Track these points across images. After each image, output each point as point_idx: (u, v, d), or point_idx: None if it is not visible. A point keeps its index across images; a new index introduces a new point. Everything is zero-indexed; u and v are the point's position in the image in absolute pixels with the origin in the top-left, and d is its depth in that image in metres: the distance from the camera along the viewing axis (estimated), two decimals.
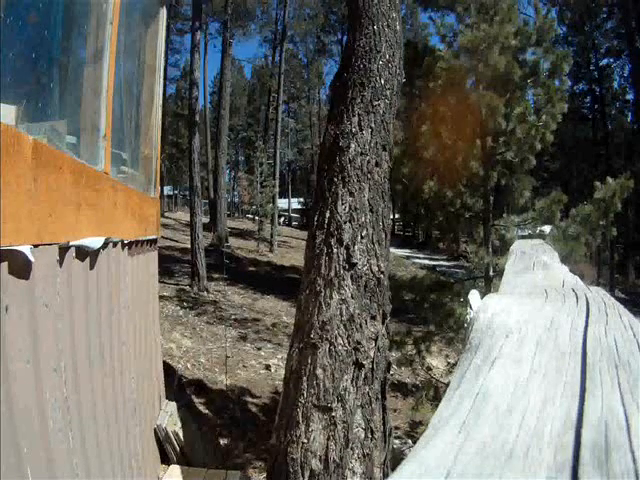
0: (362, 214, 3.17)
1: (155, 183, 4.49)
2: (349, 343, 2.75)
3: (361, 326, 2.84)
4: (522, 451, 0.45)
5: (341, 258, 2.97)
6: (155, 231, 4.32)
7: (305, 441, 2.43)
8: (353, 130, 3.22)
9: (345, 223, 3.09)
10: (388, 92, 3.35)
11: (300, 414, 2.53)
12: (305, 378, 2.63)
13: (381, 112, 3.38)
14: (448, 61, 4.75)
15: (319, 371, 2.62)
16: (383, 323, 2.94)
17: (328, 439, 2.44)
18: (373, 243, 3.12)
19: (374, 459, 2.50)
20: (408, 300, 5.48)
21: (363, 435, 2.54)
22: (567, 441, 0.45)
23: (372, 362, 2.75)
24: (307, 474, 2.32)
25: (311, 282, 2.99)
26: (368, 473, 2.44)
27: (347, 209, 3.13)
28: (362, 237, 3.09)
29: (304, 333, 2.78)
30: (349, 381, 2.62)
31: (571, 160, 21.88)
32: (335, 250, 2.99)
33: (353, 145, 3.16)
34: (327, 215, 3.12)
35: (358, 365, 2.68)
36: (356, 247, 3.03)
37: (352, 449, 2.45)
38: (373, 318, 2.91)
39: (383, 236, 3.21)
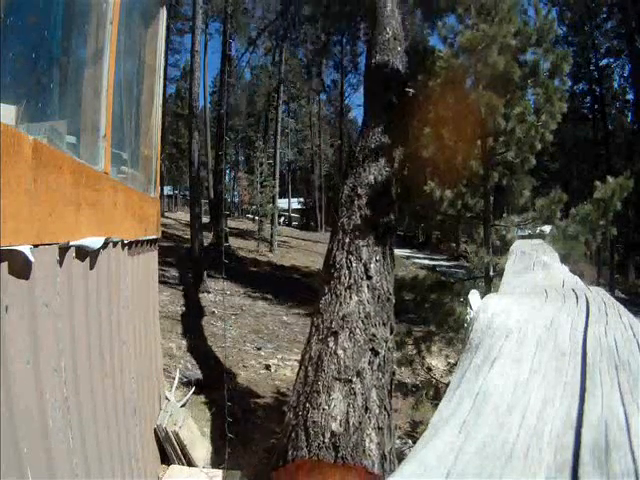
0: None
1: (155, 183, 4.49)
2: (366, 334, 3.11)
3: (375, 325, 3.22)
4: (522, 451, 0.45)
5: (360, 271, 3.54)
6: (155, 231, 4.32)
7: (326, 407, 2.58)
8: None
9: (363, 247, 3.74)
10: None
11: (321, 386, 2.71)
12: (326, 358, 2.87)
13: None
14: (447, 61, 4.75)
15: (340, 351, 2.91)
16: (390, 333, 3.37)
17: (348, 406, 2.61)
18: (384, 267, 3.73)
19: (385, 438, 2.63)
20: (408, 300, 5.47)
21: (378, 411, 2.72)
22: (567, 441, 0.45)
23: (384, 356, 3.09)
24: (328, 435, 2.43)
25: (331, 289, 3.44)
26: (382, 445, 2.55)
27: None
28: (376, 260, 3.69)
29: (324, 327, 3.12)
30: (366, 363, 2.91)
31: (571, 160, 21.89)
32: (355, 265, 3.58)
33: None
34: (347, 240, 3.79)
35: (374, 352, 3.01)
36: (372, 265, 3.64)
37: (369, 418, 2.62)
38: (384, 324, 3.32)
39: (390, 266, 3.86)
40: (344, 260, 3.62)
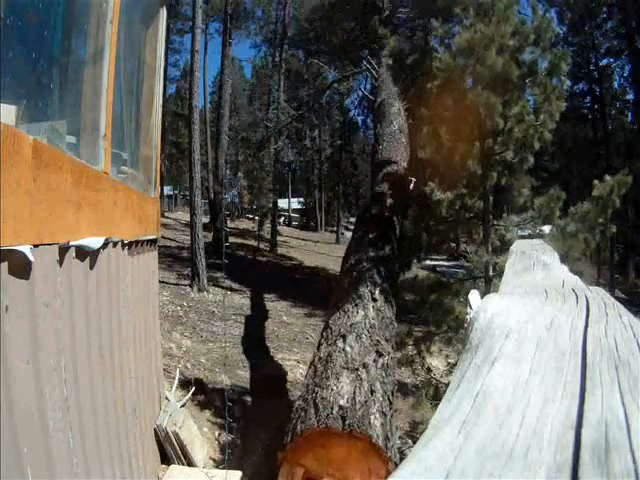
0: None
1: (155, 183, 4.49)
2: (371, 339, 3.42)
3: (379, 336, 3.54)
4: (522, 451, 0.45)
5: (367, 293, 3.97)
6: (155, 231, 4.32)
7: (334, 388, 2.79)
8: None
9: (369, 270, 4.27)
10: None
11: (330, 373, 2.95)
12: (335, 354, 3.15)
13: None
14: (446, 62, 4.74)
15: (348, 348, 3.21)
16: (391, 350, 3.67)
17: (355, 388, 2.84)
18: (387, 296, 4.16)
19: (387, 425, 2.80)
20: (409, 300, 5.47)
21: (381, 398, 2.92)
22: (567, 441, 0.45)
23: (387, 361, 3.35)
24: (336, 408, 2.62)
25: (340, 308, 3.83)
26: (385, 428, 2.72)
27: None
28: (382, 290, 4.15)
29: (333, 335, 3.45)
30: (371, 360, 3.17)
31: (571, 160, 21.88)
32: (362, 289, 4.00)
33: None
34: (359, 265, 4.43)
35: (378, 353, 3.28)
36: (377, 290, 4.07)
37: (374, 401, 2.84)
38: (387, 341, 3.61)
39: (391, 299, 4.29)
40: (351, 286, 4.11)
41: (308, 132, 36.39)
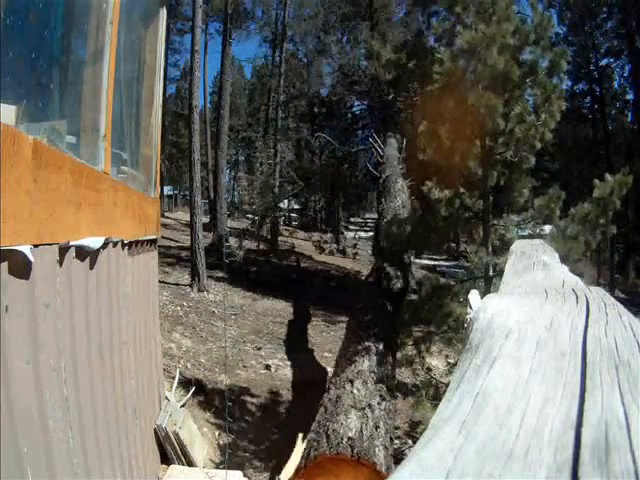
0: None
1: (155, 183, 4.49)
2: (375, 385, 3.86)
3: (382, 386, 3.94)
4: (522, 451, 0.45)
5: (373, 347, 4.40)
6: (155, 231, 4.32)
7: (344, 422, 3.18)
8: None
9: (374, 326, 4.80)
10: None
11: (340, 411, 3.34)
12: (344, 396, 3.53)
13: None
14: (446, 62, 4.74)
15: (355, 391, 3.65)
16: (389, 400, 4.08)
17: (362, 424, 3.22)
18: (388, 350, 4.67)
19: (390, 458, 3.15)
20: (408, 300, 5.47)
21: (384, 435, 3.31)
22: (567, 441, 0.45)
23: (389, 406, 3.77)
24: (345, 439, 2.99)
25: (348, 358, 4.30)
26: (387, 460, 3.03)
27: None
28: (385, 345, 4.60)
29: (341, 380, 3.88)
30: (376, 402, 3.58)
31: (571, 160, 21.85)
32: (367, 343, 4.49)
33: None
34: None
35: (382, 397, 3.71)
36: (381, 344, 4.57)
37: (378, 436, 3.20)
38: (388, 390, 4.06)
39: (393, 347, 4.88)
40: (358, 342, 4.62)
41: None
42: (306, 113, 17.97)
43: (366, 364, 4.13)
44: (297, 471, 2.96)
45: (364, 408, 3.39)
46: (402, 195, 8.10)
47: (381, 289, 5.73)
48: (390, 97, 13.90)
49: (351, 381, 3.76)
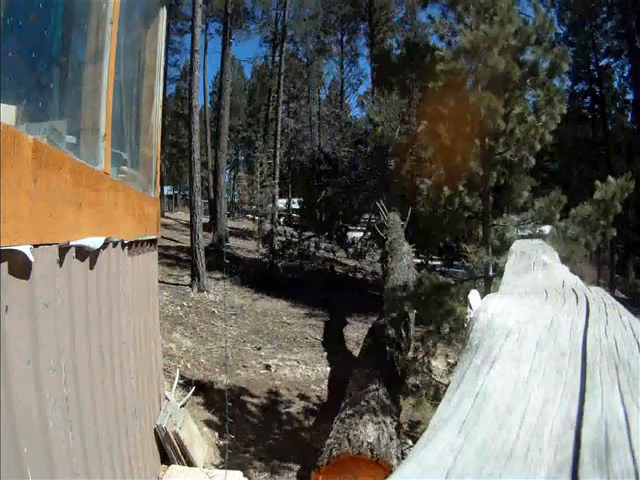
0: None
1: (155, 183, 4.49)
2: (387, 408, 4.25)
3: (390, 407, 4.40)
4: (522, 451, 0.45)
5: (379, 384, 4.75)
6: (155, 231, 4.32)
7: (363, 431, 3.50)
8: None
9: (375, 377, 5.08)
10: None
11: (358, 422, 3.64)
12: (361, 421, 3.77)
13: None
14: (448, 62, 4.74)
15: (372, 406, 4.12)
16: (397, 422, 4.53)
17: (379, 434, 3.54)
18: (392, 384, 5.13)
19: None
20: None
21: (396, 447, 3.64)
22: (567, 441, 0.45)
23: (395, 427, 4.10)
24: (365, 443, 3.28)
25: (358, 390, 4.65)
26: None
27: None
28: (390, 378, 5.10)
29: (358, 401, 4.30)
30: (389, 420, 3.96)
31: (571, 160, 21.83)
32: (374, 387, 4.73)
33: None
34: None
35: (392, 417, 4.08)
36: (386, 387, 4.90)
37: (393, 446, 3.50)
38: (396, 414, 4.56)
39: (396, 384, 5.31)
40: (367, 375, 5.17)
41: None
42: (310, 168, 18.07)
43: (373, 387, 4.62)
44: (318, 467, 3.23)
45: (380, 423, 3.74)
46: (407, 257, 9.05)
47: (380, 344, 6.02)
48: (391, 166, 14.17)
49: (367, 402, 4.20)
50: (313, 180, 17.79)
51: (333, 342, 9.18)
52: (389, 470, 2.97)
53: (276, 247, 15.93)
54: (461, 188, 5.06)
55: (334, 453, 3.17)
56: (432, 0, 5.18)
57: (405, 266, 8.57)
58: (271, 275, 13.98)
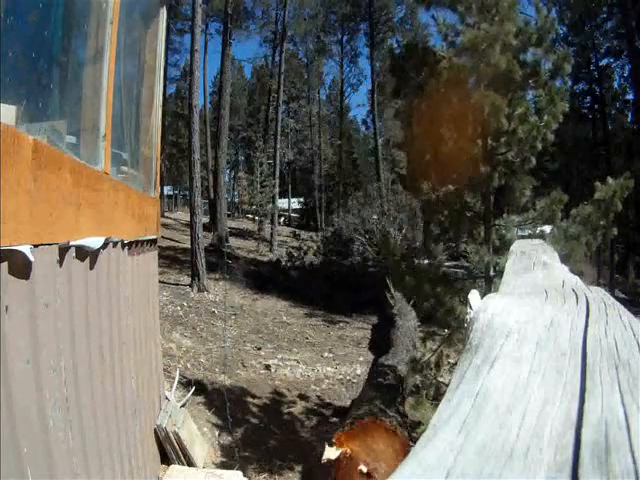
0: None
1: (155, 183, 4.49)
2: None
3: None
4: (522, 451, 0.45)
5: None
6: (155, 231, 4.32)
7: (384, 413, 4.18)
8: None
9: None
10: None
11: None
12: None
13: None
14: (449, 61, 4.74)
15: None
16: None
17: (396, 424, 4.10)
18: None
19: None
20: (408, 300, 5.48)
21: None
22: (567, 441, 0.45)
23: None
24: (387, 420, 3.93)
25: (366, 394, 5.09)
26: None
27: None
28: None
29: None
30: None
31: (571, 160, 21.83)
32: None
33: None
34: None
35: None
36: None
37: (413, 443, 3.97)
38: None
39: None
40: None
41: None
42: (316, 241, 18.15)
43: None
44: (343, 427, 3.80)
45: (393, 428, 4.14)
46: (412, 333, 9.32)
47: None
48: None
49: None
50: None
51: (379, 345, 8.91)
52: (404, 442, 3.52)
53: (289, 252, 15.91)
54: (463, 189, 5.06)
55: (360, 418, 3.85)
56: (435, 2, 5.17)
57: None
58: (275, 277, 13.98)
